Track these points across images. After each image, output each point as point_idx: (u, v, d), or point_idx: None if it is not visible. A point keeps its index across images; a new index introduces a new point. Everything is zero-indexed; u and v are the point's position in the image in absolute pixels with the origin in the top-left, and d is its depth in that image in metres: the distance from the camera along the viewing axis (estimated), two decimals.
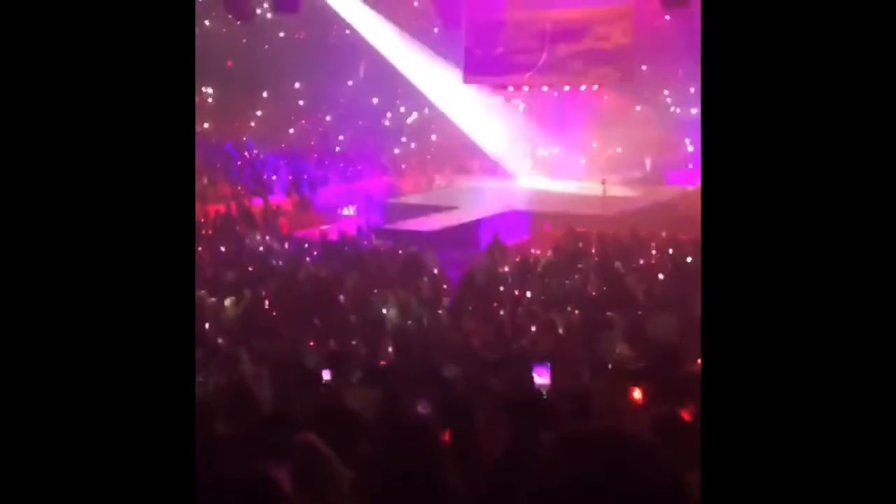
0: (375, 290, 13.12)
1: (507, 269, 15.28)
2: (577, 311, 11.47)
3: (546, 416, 4.07)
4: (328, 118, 27.57)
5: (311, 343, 9.73)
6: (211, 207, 20.43)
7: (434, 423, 4.36)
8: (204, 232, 17.95)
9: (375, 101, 25.61)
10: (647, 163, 24.79)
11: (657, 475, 1.20)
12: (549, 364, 6.52)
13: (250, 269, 14.74)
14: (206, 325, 10.65)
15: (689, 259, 14.53)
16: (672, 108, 26.17)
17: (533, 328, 10.80)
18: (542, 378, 6.37)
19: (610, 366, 7.11)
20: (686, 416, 4.42)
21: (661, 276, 13.41)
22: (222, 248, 16.19)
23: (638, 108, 25.31)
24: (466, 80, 21.41)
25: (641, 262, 15.22)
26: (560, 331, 10.26)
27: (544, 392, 5.57)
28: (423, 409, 5.05)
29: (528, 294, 12.93)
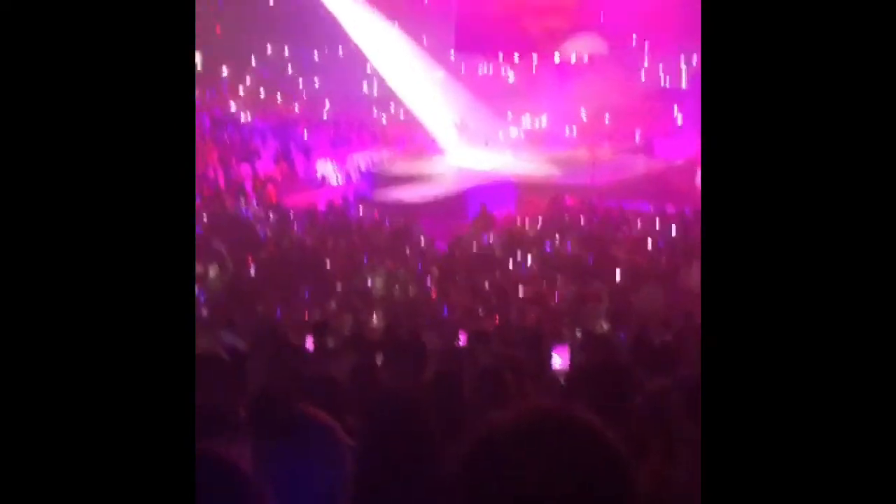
0: (363, 261, 13.11)
1: (493, 238, 15.27)
2: (563, 283, 11.50)
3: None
4: (316, 85, 27.35)
5: (296, 312, 9.72)
6: (197, 174, 20.30)
7: (420, 395, 4.36)
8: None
9: (367, 69, 25.41)
10: (637, 134, 24.73)
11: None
12: (567, 345, 6.27)
13: (238, 239, 14.67)
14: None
15: (674, 231, 14.57)
16: (663, 81, 26.07)
17: (519, 298, 10.82)
18: (559, 361, 6.11)
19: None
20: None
21: (648, 248, 13.45)
22: (205, 217, 16.09)
23: (628, 79, 25.21)
24: (458, 51, 21.27)
25: (629, 233, 15.25)
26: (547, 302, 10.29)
27: (562, 379, 5.45)
28: (408, 379, 5.05)
29: (514, 265, 12.95)
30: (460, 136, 23.26)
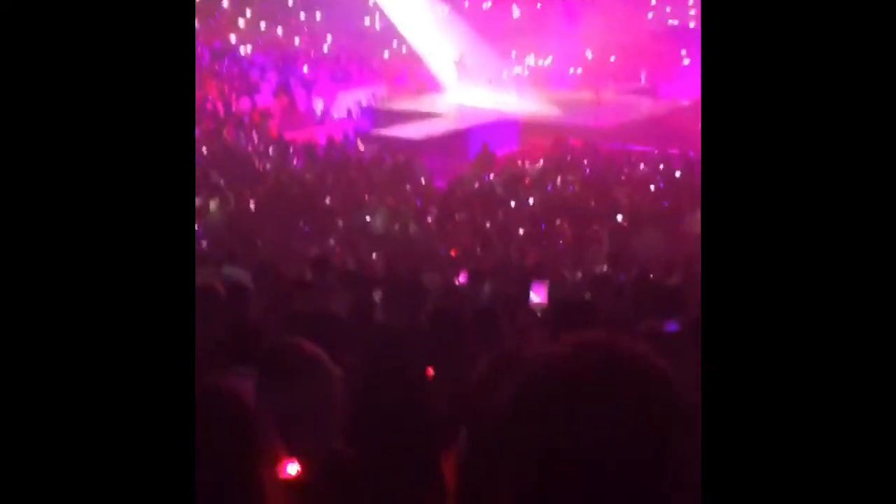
0: (363, 197, 13.04)
1: (494, 178, 15.17)
2: (564, 224, 11.45)
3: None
4: (318, 18, 26.94)
5: (296, 247, 9.69)
6: (196, 106, 20.10)
7: (415, 332, 4.34)
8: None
9: (370, 2, 24.98)
10: (643, 75, 24.45)
11: (653, 385, 1.14)
12: (546, 282, 6.37)
13: (237, 172, 14.57)
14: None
15: (677, 173, 14.48)
16: (670, 21, 25.70)
17: (520, 238, 10.79)
18: (538, 297, 6.19)
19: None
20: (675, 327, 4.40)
21: (651, 189, 13.38)
22: (204, 150, 15.97)
23: (634, 19, 24.85)
24: None
25: (631, 175, 15.16)
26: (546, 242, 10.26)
27: (539, 312, 5.49)
28: (405, 317, 5.01)
29: (515, 204, 12.88)
30: (460, 73, 22.98)
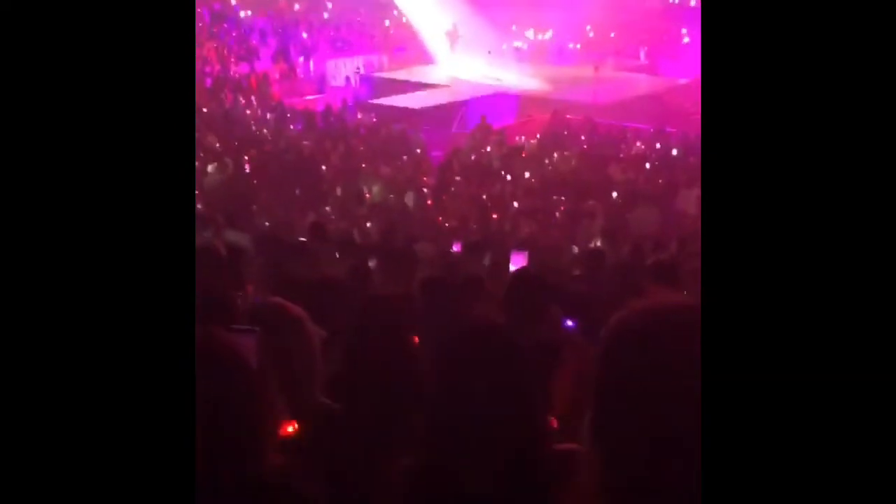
0: (361, 165, 13.05)
1: (491, 151, 15.18)
2: (559, 198, 11.50)
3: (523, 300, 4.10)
4: None
5: (292, 213, 9.72)
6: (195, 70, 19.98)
7: (407, 297, 4.41)
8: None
9: None
10: (642, 52, 24.36)
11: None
12: (526, 252, 6.47)
13: (234, 137, 14.54)
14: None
15: (674, 152, 14.50)
16: None
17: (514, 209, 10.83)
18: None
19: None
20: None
21: (647, 166, 13.40)
22: (205, 110, 15.92)
23: None
24: None
25: (628, 151, 15.17)
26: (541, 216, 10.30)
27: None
28: (399, 285, 5.08)
29: (511, 178, 12.90)
30: (452, 44, 22.82)
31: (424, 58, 23.74)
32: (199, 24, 22.04)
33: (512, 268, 5.89)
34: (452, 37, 22.78)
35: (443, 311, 4.20)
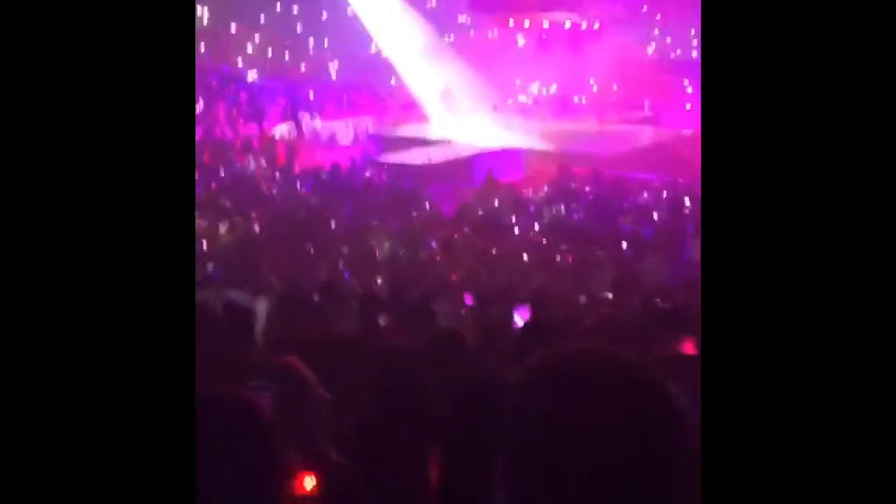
0: (370, 222, 13.12)
1: (499, 205, 15.26)
2: (568, 250, 11.53)
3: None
4: (325, 45, 27.14)
5: (303, 272, 9.76)
6: (202, 129, 20.23)
7: (421, 353, 4.43)
8: (197, 156, 17.85)
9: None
10: (646, 104, 24.57)
11: (647, 395, 1.20)
12: (528, 305, 6.50)
13: (242, 196, 14.68)
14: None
15: (686, 200, 14.55)
16: (673, 52, 25.84)
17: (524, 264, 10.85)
18: (521, 319, 6.31)
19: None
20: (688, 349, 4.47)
21: (655, 217, 13.44)
22: (221, 174, 16.09)
23: (638, 49, 25.00)
24: (473, 9, 21.12)
25: (635, 203, 15.24)
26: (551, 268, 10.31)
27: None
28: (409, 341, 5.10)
29: (520, 232, 12.96)
30: (446, 104, 23.02)
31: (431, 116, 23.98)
32: (208, 88, 22.39)
33: (518, 320, 5.90)
34: (445, 97, 23.02)
35: (458, 365, 4.21)
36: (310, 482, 2.40)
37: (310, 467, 2.47)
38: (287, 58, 26.86)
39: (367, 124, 23.13)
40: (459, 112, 22.78)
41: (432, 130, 22.34)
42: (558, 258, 11.25)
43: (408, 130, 22.57)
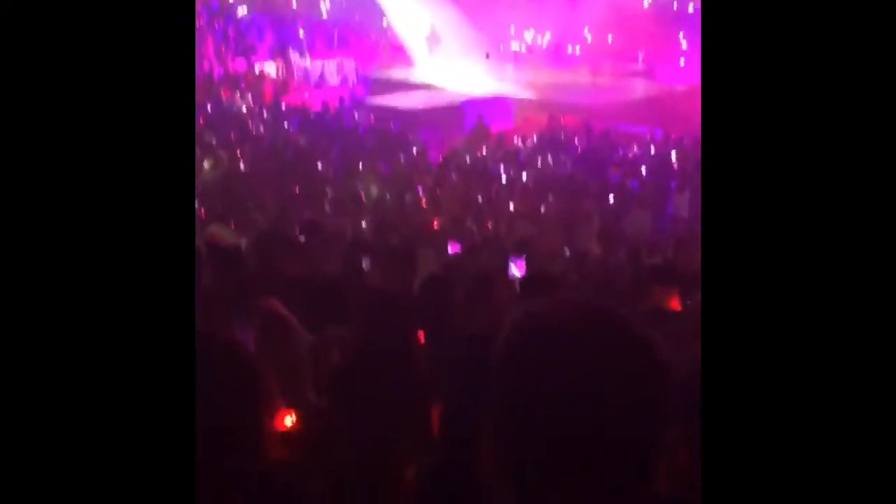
0: (356, 165, 13.04)
1: (487, 153, 15.19)
2: (555, 200, 11.51)
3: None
4: None
5: (288, 212, 9.70)
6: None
7: (407, 298, 4.41)
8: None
9: None
10: (640, 57, 24.39)
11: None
12: (524, 257, 6.49)
13: (230, 132, 14.52)
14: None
15: (673, 155, 14.54)
16: (672, 4, 25.61)
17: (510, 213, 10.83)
18: (517, 271, 6.33)
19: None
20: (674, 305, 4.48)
21: (643, 172, 13.42)
22: (209, 108, 15.90)
23: (635, 1, 24.76)
24: None
25: (624, 155, 15.20)
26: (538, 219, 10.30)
27: (517, 286, 5.58)
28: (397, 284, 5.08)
29: (507, 180, 12.91)
30: (430, 48, 22.78)
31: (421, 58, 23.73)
32: (196, 22, 22.00)
33: (513, 271, 5.87)
34: (430, 40, 22.75)
35: (445, 311, 4.20)
36: (289, 420, 2.39)
37: (290, 406, 2.46)
38: None
39: (357, 65, 22.87)
40: (450, 57, 22.54)
41: (423, 75, 22.12)
42: (543, 209, 11.21)
43: (398, 73, 22.34)
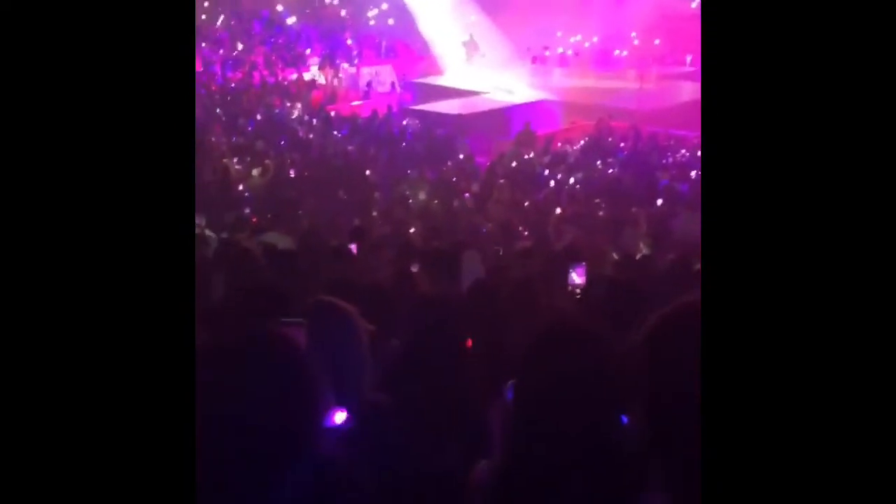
0: (404, 171, 13.12)
1: (535, 157, 15.17)
2: (603, 204, 11.46)
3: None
4: None
5: (337, 217, 9.81)
6: (242, 74, 20.26)
7: (457, 300, 4.45)
8: (231, 98, 17.89)
9: None
10: (688, 59, 24.14)
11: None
12: (584, 264, 6.42)
13: (279, 141, 14.71)
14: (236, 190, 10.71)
15: None
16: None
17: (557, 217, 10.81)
18: (578, 278, 6.23)
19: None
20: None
21: (693, 175, 13.29)
22: (258, 117, 16.12)
23: (681, 2, 24.51)
24: None
25: (672, 159, 15.08)
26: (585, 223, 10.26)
27: (578, 293, 5.55)
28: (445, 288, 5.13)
29: (555, 184, 12.89)
30: (474, 55, 22.77)
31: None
32: (249, 33, 22.37)
33: (574, 278, 5.82)
34: (469, 46, 22.77)
35: (494, 315, 4.23)
36: (340, 416, 2.42)
37: (342, 403, 2.50)
38: (327, 2, 26.68)
39: (404, 72, 22.99)
40: (497, 62, 22.54)
41: (469, 80, 22.16)
42: (592, 213, 11.17)
43: (444, 79, 22.41)
